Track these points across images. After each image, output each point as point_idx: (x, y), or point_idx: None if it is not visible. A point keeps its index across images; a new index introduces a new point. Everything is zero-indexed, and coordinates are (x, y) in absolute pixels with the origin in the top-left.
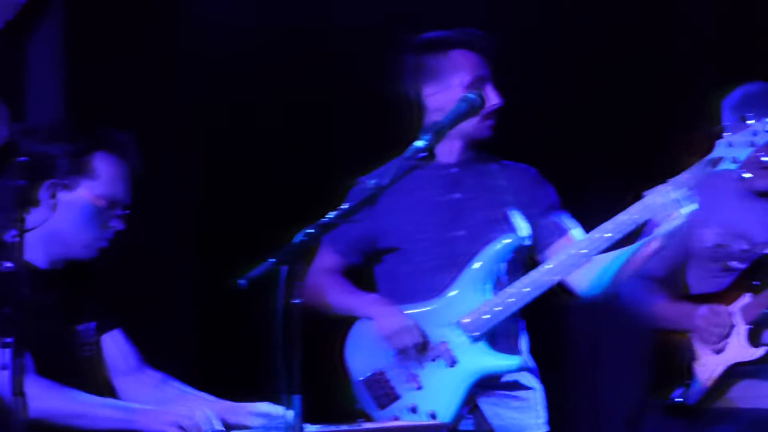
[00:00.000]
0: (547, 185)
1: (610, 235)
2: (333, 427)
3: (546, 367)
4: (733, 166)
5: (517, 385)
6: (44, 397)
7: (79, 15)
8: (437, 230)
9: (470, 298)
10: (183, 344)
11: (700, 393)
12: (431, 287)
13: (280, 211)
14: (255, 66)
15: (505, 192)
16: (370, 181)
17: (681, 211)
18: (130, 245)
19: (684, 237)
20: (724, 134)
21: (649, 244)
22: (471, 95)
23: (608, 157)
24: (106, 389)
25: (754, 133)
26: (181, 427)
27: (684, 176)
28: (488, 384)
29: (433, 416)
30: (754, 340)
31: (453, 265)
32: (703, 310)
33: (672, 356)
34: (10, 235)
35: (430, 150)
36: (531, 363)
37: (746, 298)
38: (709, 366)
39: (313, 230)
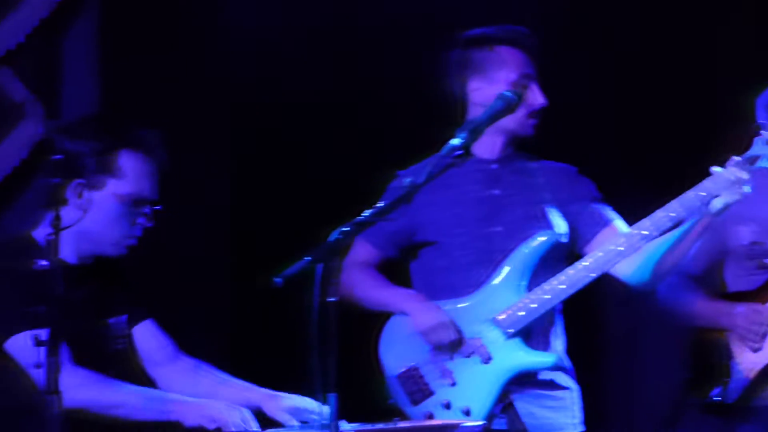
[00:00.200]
0: (588, 181)
1: (647, 232)
2: (369, 426)
3: (582, 366)
4: None
5: (552, 385)
6: (82, 387)
7: (113, 12)
8: (475, 225)
9: (506, 295)
10: (218, 343)
11: (738, 391)
12: (467, 283)
13: (315, 208)
14: (289, 63)
15: (544, 189)
16: (405, 180)
17: (744, 188)
18: (165, 243)
19: (721, 234)
20: (762, 132)
21: (700, 222)
22: (508, 93)
23: (645, 158)
24: (142, 381)
25: None
26: (217, 421)
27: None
28: (524, 382)
29: (467, 412)
30: None
31: (489, 261)
32: (742, 308)
33: (709, 355)
34: (45, 234)
35: (466, 148)
36: (567, 363)
37: None
38: (747, 364)
39: (348, 228)
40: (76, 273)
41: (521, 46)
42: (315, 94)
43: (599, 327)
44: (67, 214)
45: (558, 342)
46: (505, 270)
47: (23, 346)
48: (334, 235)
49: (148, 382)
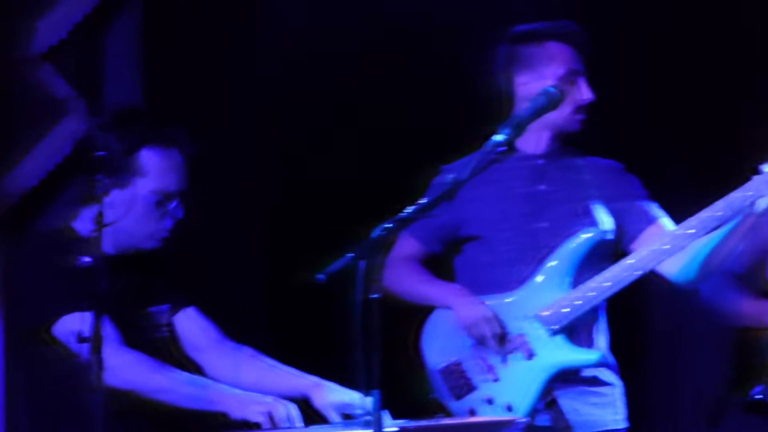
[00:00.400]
0: (634, 178)
1: (693, 231)
2: (412, 422)
3: (626, 363)
4: None
5: (596, 381)
6: (132, 369)
7: (156, 8)
8: (520, 221)
9: (550, 291)
10: (260, 342)
11: None
12: (511, 278)
13: (358, 205)
14: (330, 59)
15: (590, 186)
16: (448, 176)
17: None
18: (208, 241)
19: (765, 234)
20: None
21: (746, 221)
22: (551, 88)
23: (692, 155)
24: (185, 369)
25: None
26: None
27: None
28: (567, 378)
29: (509, 408)
30: None
31: (534, 256)
32: None
33: (752, 353)
34: (87, 228)
35: (509, 143)
36: (611, 359)
37: None
38: None
39: (391, 224)
40: (116, 264)
41: (570, 42)
42: (359, 91)
43: (643, 324)
44: (121, 215)
45: (602, 338)
46: (550, 266)
47: (71, 330)
48: (376, 232)
49: (192, 370)
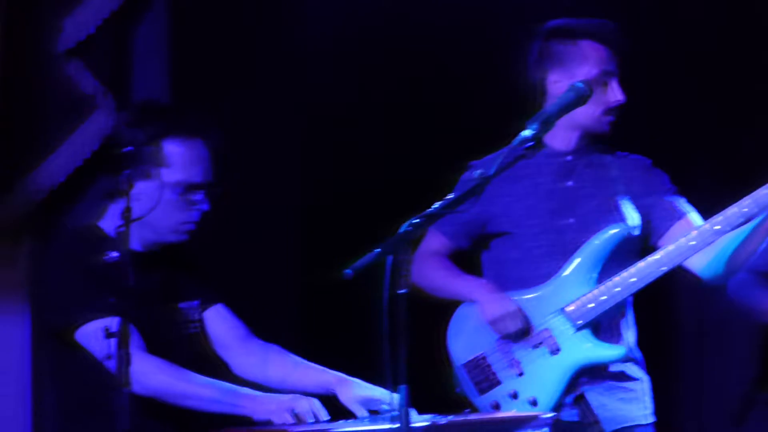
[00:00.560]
0: (662, 174)
1: (719, 227)
2: (440, 417)
3: (653, 358)
4: None
5: (624, 376)
6: (155, 375)
7: (184, 4)
8: (548, 217)
9: (576, 287)
10: (288, 336)
11: None
12: (538, 274)
13: (386, 200)
14: (362, 53)
15: (617, 182)
16: (475, 172)
17: None
18: (236, 235)
19: None
20: None
21: None
22: (579, 84)
23: (720, 151)
24: (214, 365)
25: None
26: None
27: None
28: (595, 374)
29: (534, 403)
30: None
31: (561, 252)
32: None
33: None
34: (113, 225)
35: (537, 139)
36: (638, 354)
37: None
38: None
39: (418, 220)
40: (145, 260)
41: (605, 42)
42: (391, 89)
43: (670, 320)
44: (149, 209)
45: (629, 333)
46: (576, 262)
47: (94, 337)
48: (404, 227)
49: (220, 366)
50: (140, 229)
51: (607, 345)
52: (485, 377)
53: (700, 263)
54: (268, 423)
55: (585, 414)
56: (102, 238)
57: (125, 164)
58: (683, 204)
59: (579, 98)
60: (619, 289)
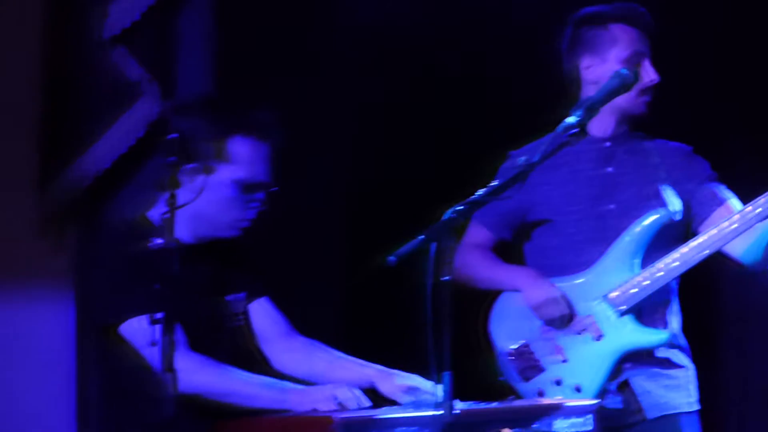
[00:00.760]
0: (702, 160)
1: (761, 210)
2: (483, 404)
3: (698, 345)
4: None
5: (669, 363)
6: (197, 373)
7: None
8: (588, 203)
9: (618, 273)
10: (332, 321)
11: None
12: (579, 261)
13: (431, 187)
14: (405, 42)
15: (658, 168)
16: (520, 158)
17: None
18: (281, 223)
19: None
20: None
21: None
22: (624, 71)
23: (757, 137)
24: (255, 359)
25: None
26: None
27: None
28: (640, 360)
29: (578, 389)
30: None
31: (602, 239)
32: None
33: None
34: (159, 213)
35: (581, 126)
36: (683, 341)
37: None
38: None
39: (462, 207)
40: (194, 252)
41: (634, 24)
42: (432, 71)
43: (713, 308)
44: (182, 196)
45: (674, 320)
46: (618, 248)
47: (138, 329)
48: (447, 214)
49: (261, 361)
50: (194, 222)
51: (650, 330)
52: (529, 365)
53: (741, 248)
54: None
55: (629, 401)
56: (148, 229)
57: (175, 153)
58: (724, 190)
59: (624, 85)
60: (661, 273)
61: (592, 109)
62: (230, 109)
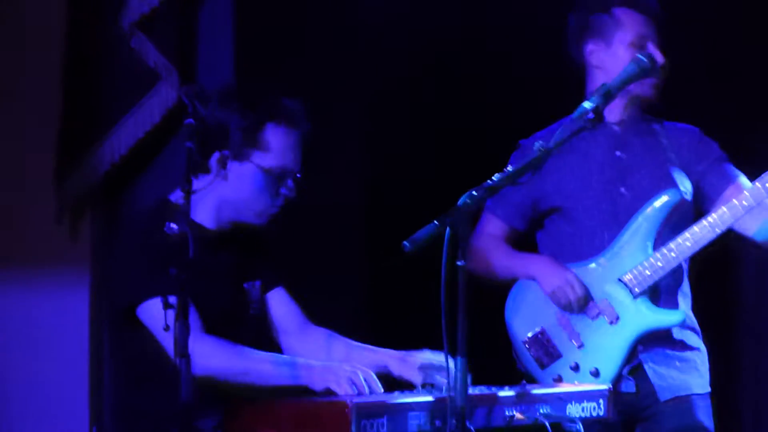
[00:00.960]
0: (711, 141)
1: None
2: (497, 389)
3: (709, 328)
4: None
5: (682, 345)
6: (212, 355)
7: None
8: (601, 188)
9: (632, 256)
10: (350, 307)
11: None
12: (593, 246)
13: (451, 179)
14: (433, 28)
15: (668, 150)
16: (536, 143)
17: None
18: (300, 211)
19: None
20: None
21: None
22: (642, 57)
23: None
24: (273, 347)
25: None
26: (343, 384)
27: None
28: (653, 342)
29: (596, 374)
30: None
31: (615, 222)
32: None
33: None
34: (176, 197)
35: (598, 112)
36: (695, 323)
37: None
38: None
39: (477, 192)
40: (214, 238)
41: (639, 8)
42: (453, 72)
43: (727, 290)
44: (209, 181)
45: (685, 301)
46: (631, 230)
47: (154, 313)
48: (462, 199)
49: (279, 350)
50: (219, 207)
51: (665, 310)
52: (546, 351)
53: (752, 226)
54: (328, 392)
55: (641, 384)
56: (171, 212)
57: (195, 138)
58: (734, 170)
59: (641, 70)
60: (674, 254)
61: (608, 94)
62: (264, 96)
